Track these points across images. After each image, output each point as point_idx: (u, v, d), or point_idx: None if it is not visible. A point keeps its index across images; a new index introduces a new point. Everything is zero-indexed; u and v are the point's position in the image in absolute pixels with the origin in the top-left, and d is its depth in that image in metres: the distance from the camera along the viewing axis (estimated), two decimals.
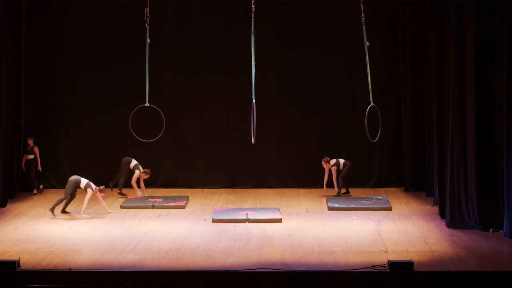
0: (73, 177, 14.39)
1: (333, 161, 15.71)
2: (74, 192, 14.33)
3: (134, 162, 15.80)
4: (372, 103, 14.28)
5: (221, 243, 12.15)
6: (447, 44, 13.27)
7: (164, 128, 14.72)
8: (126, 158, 15.88)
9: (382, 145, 16.73)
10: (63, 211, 14.25)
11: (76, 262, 11.09)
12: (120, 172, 15.87)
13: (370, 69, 16.39)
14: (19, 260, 10.72)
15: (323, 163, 15.76)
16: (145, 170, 15.75)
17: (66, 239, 12.44)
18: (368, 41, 16.22)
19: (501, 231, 12.47)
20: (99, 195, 14.29)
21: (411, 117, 16.29)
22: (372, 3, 16.16)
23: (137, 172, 15.73)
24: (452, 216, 12.99)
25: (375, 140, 14.47)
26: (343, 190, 15.82)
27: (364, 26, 14.30)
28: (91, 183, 14.32)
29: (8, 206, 14.92)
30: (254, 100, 13.92)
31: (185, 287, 10.40)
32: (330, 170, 15.73)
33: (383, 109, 16.61)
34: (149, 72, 14.17)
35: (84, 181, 14.28)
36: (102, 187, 14.38)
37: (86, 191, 14.26)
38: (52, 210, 14.10)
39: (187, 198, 15.55)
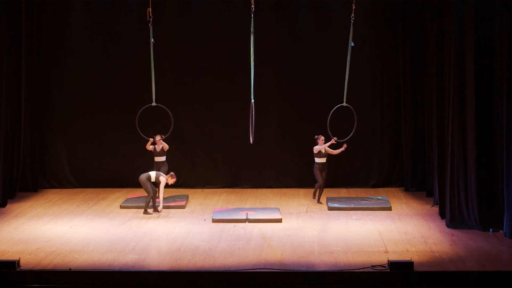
0: (142, 176, 14.25)
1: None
2: (152, 187, 14.27)
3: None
4: (345, 103, 14.37)
5: (221, 243, 12.15)
6: (447, 44, 13.26)
7: (172, 126, 14.76)
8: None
9: (382, 145, 16.74)
10: (146, 212, 14.27)
11: (76, 262, 11.09)
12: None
13: (370, 70, 16.51)
14: (19, 260, 10.72)
15: (322, 140, 15.06)
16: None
17: (66, 239, 12.43)
18: (368, 41, 16.30)
19: (501, 231, 12.47)
20: (171, 181, 14.30)
21: (411, 117, 16.29)
22: (372, 4, 16.18)
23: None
24: (452, 216, 12.99)
25: (342, 141, 14.58)
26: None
27: (352, 26, 14.36)
28: (160, 172, 14.33)
29: (8, 206, 14.91)
30: (253, 100, 13.93)
31: (185, 287, 10.40)
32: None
33: (383, 109, 16.65)
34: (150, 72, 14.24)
35: (153, 174, 14.24)
36: (172, 173, 14.40)
37: (159, 180, 14.18)
38: (146, 212, 14.19)
39: (187, 198, 15.55)
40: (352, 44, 14.60)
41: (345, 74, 15.67)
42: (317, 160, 15.11)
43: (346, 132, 14.93)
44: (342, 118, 15.23)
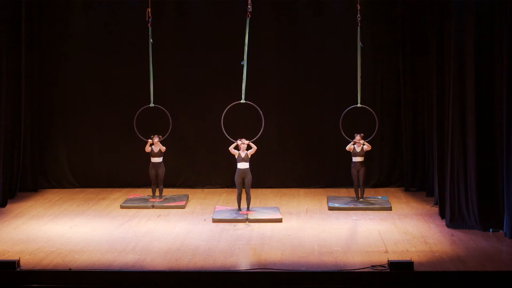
0: (236, 176, 14.25)
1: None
2: (241, 184, 14.25)
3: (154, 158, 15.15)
4: (359, 104, 14.38)
5: (221, 243, 12.15)
6: (447, 44, 13.27)
7: (170, 127, 14.72)
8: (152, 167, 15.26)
9: (382, 145, 16.74)
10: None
11: (76, 262, 11.09)
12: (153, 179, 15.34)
13: (369, 70, 16.49)
14: (19, 260, 10.72)
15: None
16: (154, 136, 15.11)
17: (66, 239, 12.44)
18: (368, 41, 16.28)
19: (501, 231, 12.48)
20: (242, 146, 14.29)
21: (411, 117, 16.29)
22: (372, 4, 16.17)
23: (149, 141, 15.05)
24: (452, 216, 13.00)
25: (367, 140, 14.59)
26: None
27: (359, 27, 14.34)
28: (231, 147, 14.30)
29: (8, 206, 14.92)
30: (243, 100, 14.01)
31: (185, 287, 10.41)
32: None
33: (383, 109, 16.65)
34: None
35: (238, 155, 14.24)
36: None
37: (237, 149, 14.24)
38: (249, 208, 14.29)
39: (187, 198, 15.55)
40: (362, 45, 14.62)
41: (347, 73, 15.78)
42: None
43: (352, 132, 14.96)
44: (346, 118, 15.28)
